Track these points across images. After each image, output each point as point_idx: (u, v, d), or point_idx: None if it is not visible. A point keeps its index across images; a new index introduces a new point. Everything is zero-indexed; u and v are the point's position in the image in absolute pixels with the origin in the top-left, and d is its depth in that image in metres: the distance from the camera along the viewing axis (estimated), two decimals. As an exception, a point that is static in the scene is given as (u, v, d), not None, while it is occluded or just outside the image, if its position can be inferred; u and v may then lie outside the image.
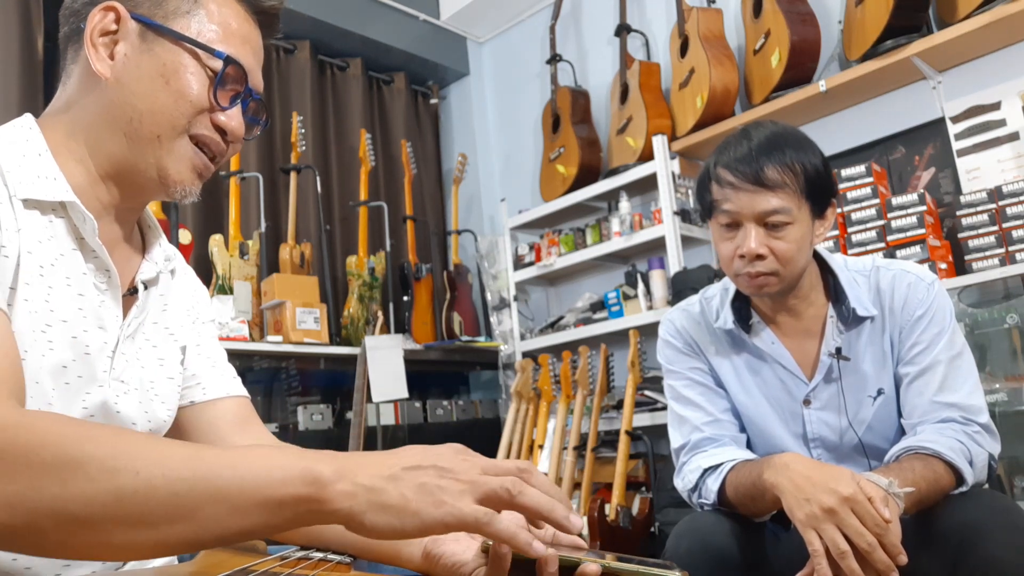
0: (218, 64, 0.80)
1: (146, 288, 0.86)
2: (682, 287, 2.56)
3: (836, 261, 1.33)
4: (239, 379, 0.99)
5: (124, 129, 0.79)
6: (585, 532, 2.39)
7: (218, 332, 1.08)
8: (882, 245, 2.30)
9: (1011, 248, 2.13)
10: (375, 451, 0.62)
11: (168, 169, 0.80)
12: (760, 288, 1.26)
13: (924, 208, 2.26)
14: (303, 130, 3.19)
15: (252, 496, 0.57)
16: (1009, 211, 2.15)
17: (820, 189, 1.26)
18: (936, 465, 1.14)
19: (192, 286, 0.99)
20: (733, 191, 1.24)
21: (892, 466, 1.17)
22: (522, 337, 3.33)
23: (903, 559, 1.02)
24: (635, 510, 2.47)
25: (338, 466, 0.58)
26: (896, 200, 2.30)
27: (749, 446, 1.37)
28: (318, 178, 3.21)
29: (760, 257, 1.23)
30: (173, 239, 2.54)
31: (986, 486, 1.23)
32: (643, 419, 2.66)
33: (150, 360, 0.86)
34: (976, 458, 1.17)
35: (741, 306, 1.37)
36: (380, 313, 3.15)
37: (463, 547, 0.74)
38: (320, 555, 0.76)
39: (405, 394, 2.77)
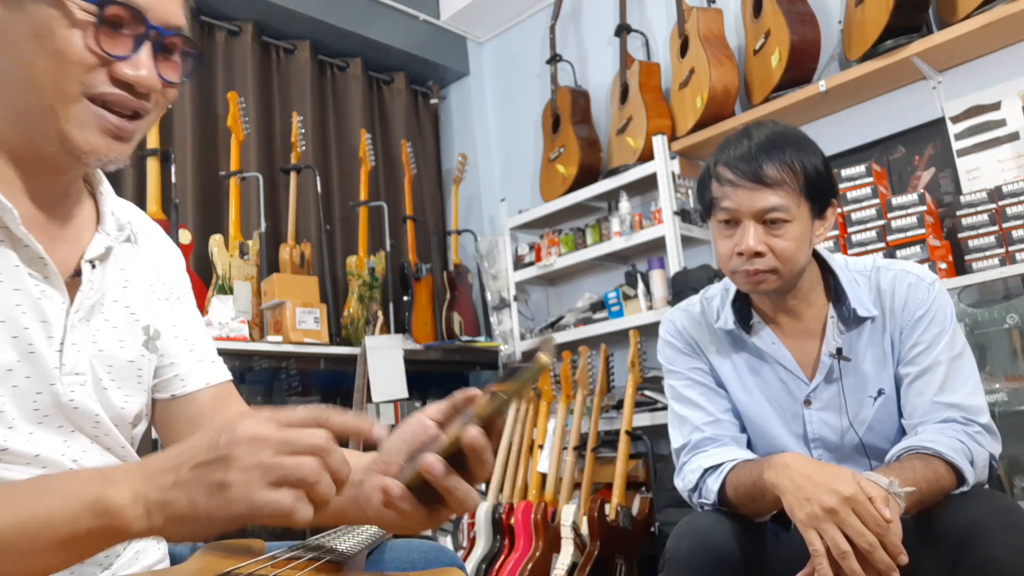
0: (94, 8, 0.68)
1: (94, 267, 0.79)
2: (682, 287, 2.56)
3: (836, 261, 1.33)
4: (219, 360, 0.94)
5: (12, 104, 0.70)
6: (585, 532, 2.39)
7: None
8: (882, 245, 2.30)
9: (1011, 248, 2.13)
10: (171, 448, 0.59)
11: (72, 139, 0.70)
12: (758, 285, 1.26)
13: (924, 208, 2.26)
14: (303, 130, 3.19)
15: (46, 539, 0.56)
16: (1009, 211, 2.15)
17: (820, 189, 1.26)
18: (937, 465, 1.14)
19: (159, 256, 0.91)
20: (732, 188, 1.24)
21: (893, 466, 1.17)
22: (522, 337, 3.33)
23: (904, 559, 1.02)
24: (635, 510, 2.47)
25: (131, 485, 0.56)
26: (896, 200, 2.30)
27: (750, 446, 1.37)
28: (318, 178, 3.20)
29: (759, 254, 1.23)
30: (173, 239, 2.54)
31: (986, 486, 1.23)
32: (643, 419, 2.66)
33: (110, 342, 0.80)
34: (977, 458, 1.17)
35: (742, 306, 1.37)
36: (380, 313, 3.15)
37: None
38: (311, 555, 0.75)
39: (405, 394, 2.77)
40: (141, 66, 0.71)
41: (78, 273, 0.77)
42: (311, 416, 0.58)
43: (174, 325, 0.89)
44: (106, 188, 0.84)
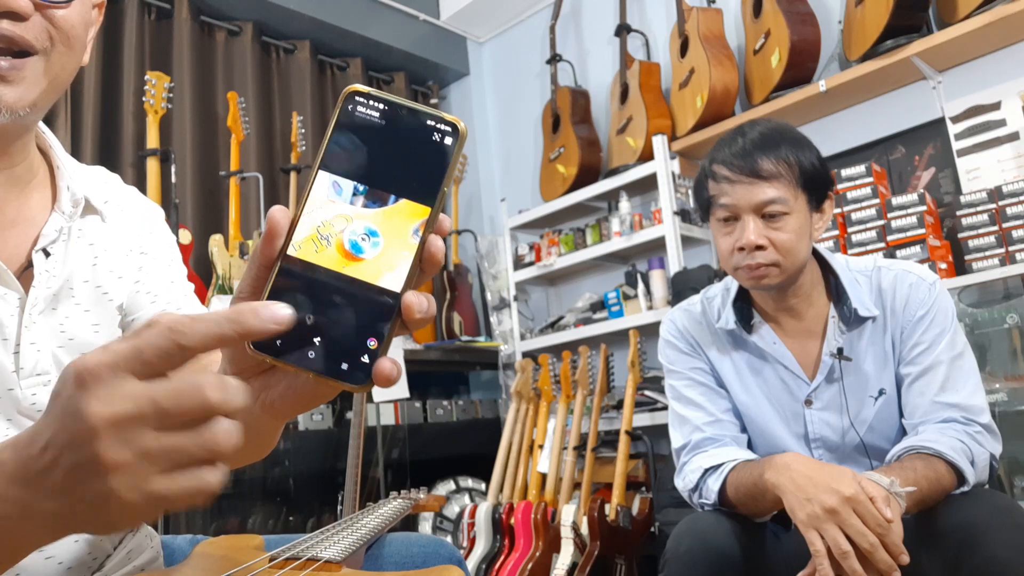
0: None
1: (48, 254, 0.71)
2: (682, 287, 2.56)
3: (837, 261, 1.33)
4: (189, 308, 0.81)
5: None
6: (585, 532, 2.39)
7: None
8: (882, 245, 2.30)
9: (1011, 248, 2.13)
10: (35, 430, 0.43)
11: None
12: (760, 279, 1.26)
13: (924, 208, 2.26)
14: (303, 130, 3.19)
15: None
16: (1009, 211, 2.15)
17: (816, 182, 1.27)
18: (938, 465, 1.14)
19: (133, 221, 0.82)
20: (729, 185, 1.25)
21: (894, 466, 1.17)
22: (522, 337, 3.33)
23: (905, 559, 1.02)
24: (635, 510, 2.47)
25: (13, 497, 0.42)
26: (896, 200, 2.30)
27: (750, 446, 1.37)
28: (318, 178, 3.20)
29: (760, 248, 1.24)
30: (173, 239, 2.53)
31: (987, 486, 1.23)
32: (643, 419, 2.66)
33: (82, 328, 0.72)
34: (977, 458, 1.17)
35: (743, 306, 1.37)
36: (380, 313, 3.14)
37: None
38: (310, 553, 0.75)
39: (406, 394, 2.77)
40: None
41: (32, 264, 0.70)
42: (168, 344, 0.40)
43: (137, 281, 0.80)
44: (63, 161, 0.76)
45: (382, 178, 0.45)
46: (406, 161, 0.45)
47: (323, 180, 0.45)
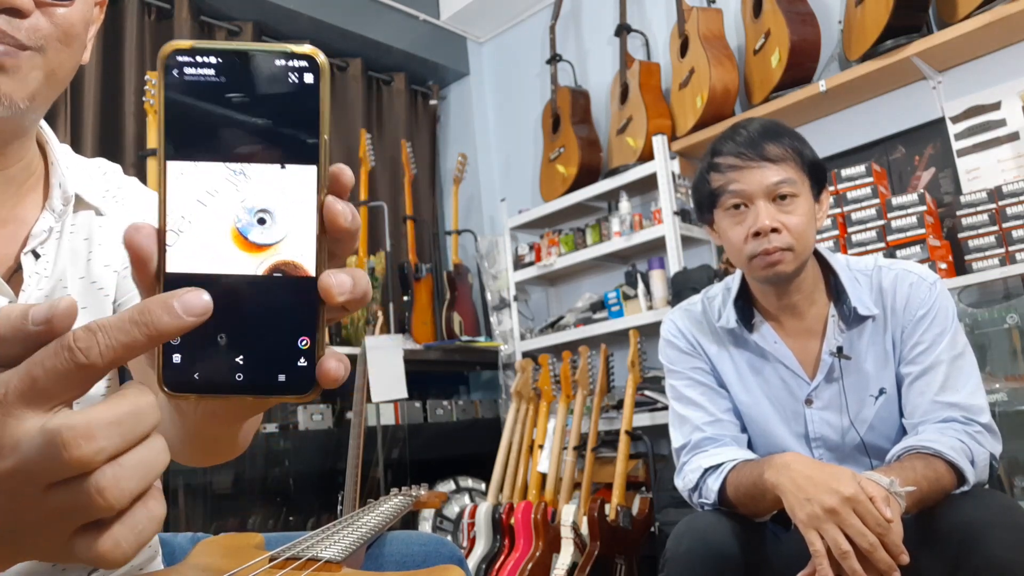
0: None
1: (38, 256, 0.69)
2: (682, 287, 2.56)
3: (838, 261, 1.34)
4: None
5: None
6: (585, 532, 2.39)
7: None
8: (882, 245, 2.30)
9: (1011, 248, 2.13)
10: None
11: None
12: (776, 265, 1.26)
13: (924, 208, 2.26)
14: (303, 130, 3.18)
15: None
16: (1009, 211, 2.15)
17: (817, 168, 1.31)
18: (937, 464, 1.14)
19: (132, 214, 0.79)
20: (737, 172, 1.27)
21: (893, 465, 1.17)
22: (522, 337, 3.33)
23: (905, 559, 1.02)
24: (635, 510, 2.47)
25: None
26: (896, 200, 2.30)
27: (750, 446, 1.37)
28: (318, 178, 3.20)
29: (775, 231, 1.25)
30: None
31: (987, 486, 1.23)
32: (643, 419, 2.66)
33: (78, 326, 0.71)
34: (977, 458, 1.17)
35: (744, 305, 1.37)
36: (380, 313, 3.15)
37: None
38: (311, 554, 0.75)
39: (405, 394, 2.77)
40: None
41: (21, 267, 0.68)
42: (67, 366, 0.33)
43: (127, 267, 0.76)
44: (59, 156, 0.74)
45: (244, 148, 0.36)
46: (266, 118, 0.36)
47: (176, 172, 0.36)
